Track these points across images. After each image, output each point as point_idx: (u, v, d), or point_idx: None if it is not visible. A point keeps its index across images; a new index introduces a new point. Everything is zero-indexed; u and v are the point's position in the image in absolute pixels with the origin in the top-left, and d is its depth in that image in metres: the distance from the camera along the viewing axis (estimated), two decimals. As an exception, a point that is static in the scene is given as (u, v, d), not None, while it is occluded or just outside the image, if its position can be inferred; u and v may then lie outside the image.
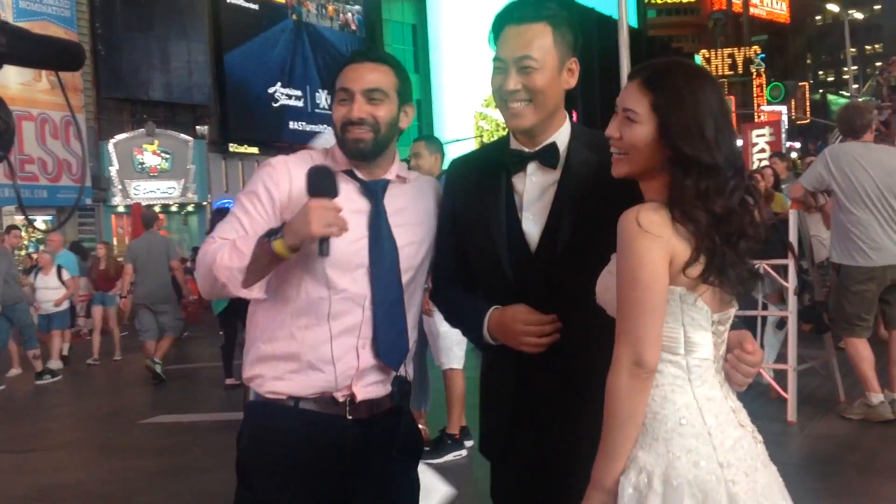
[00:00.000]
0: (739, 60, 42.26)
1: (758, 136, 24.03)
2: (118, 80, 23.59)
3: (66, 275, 12.07)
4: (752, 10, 45.74)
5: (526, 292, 2.15)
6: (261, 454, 2.30)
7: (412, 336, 2.38)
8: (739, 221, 1.85)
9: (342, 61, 2.35)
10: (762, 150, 21.18)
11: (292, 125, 27.23)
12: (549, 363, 2.12)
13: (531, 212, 2.18)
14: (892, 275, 5.78)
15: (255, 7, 26.86)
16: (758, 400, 6.36)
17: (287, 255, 2.10)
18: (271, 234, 2.12)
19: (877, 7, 56.01)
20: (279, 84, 27.15)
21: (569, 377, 2.11)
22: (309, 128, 27.11)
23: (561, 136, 2.19)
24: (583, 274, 2.00)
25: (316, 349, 2.26)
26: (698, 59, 40.05)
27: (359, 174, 2.32)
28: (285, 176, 2.28)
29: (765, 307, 6.30)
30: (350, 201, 2.25)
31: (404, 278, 2.32)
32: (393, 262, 2.29)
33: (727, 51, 43.34)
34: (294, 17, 28.15)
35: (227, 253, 2.16)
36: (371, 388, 2.30)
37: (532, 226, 2.17)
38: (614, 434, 1.81)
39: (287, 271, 2.23)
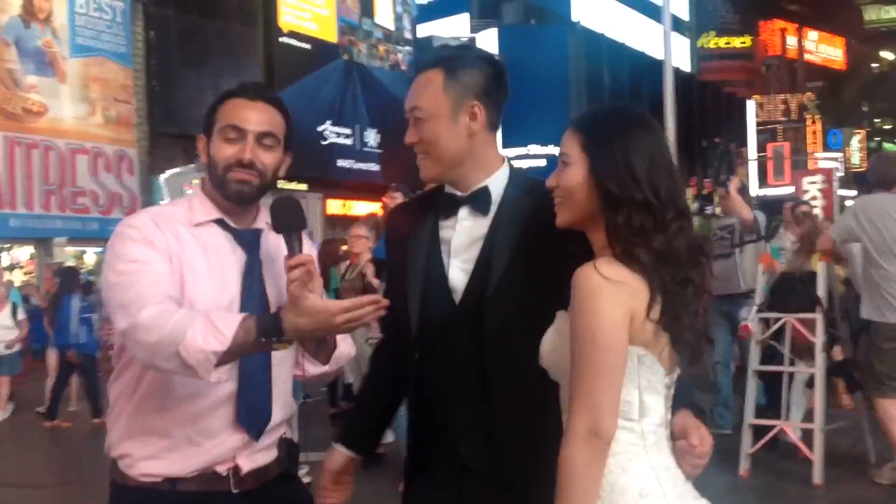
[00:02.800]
0: (793, 106, 41.88)
1: (809, 183, 23.68)
2: (171, 115, 23.98)
3: (20, 314, 10.89)
4: (806, 57, 45.40)
5: (449, 346, 2.04)
6: None
7: (282, 400, 2.18)
8: (689, 264, 1.75)
9: (222, 95, 2.18)
10: (814, 198, 20.86)
11: (340, 163, 27.43)
12: (472, 420, 2.01)
13: (460, 259, 2.06)
14: (925, 333, 5.56)
15: (308, 47, 27.23)
16: (783, 460, 6.14)
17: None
18: (267, 332, 1.87)
19: (936, 54, 55.23)
20: (329, 122, 27.40)
21: (485, 437, 1.99)
22: (357, 166, 27.33)
23: (495, 180, 2.09)
24: (511, 325, 1.89)
25: (194, 422, 2.04)
26: (751, 104, 39.83)
27: (230, 222, 2.16)
28: (159, 234, 2.06)
29: (792, 363, 6.10)
30: (224, 254, 2.11)
31: None
32: None
33: (780, 96, 42.95)
34: (346, 56, 28.47)
35: (200, 331, 1.84)
36: (257, 455, 2.12)
37: (459, 274, 2.06)
38: None
39: None
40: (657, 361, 1.74)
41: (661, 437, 1.77)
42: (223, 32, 25.11)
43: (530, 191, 2.05)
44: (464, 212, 2.08)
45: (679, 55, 39.14)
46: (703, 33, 44.27)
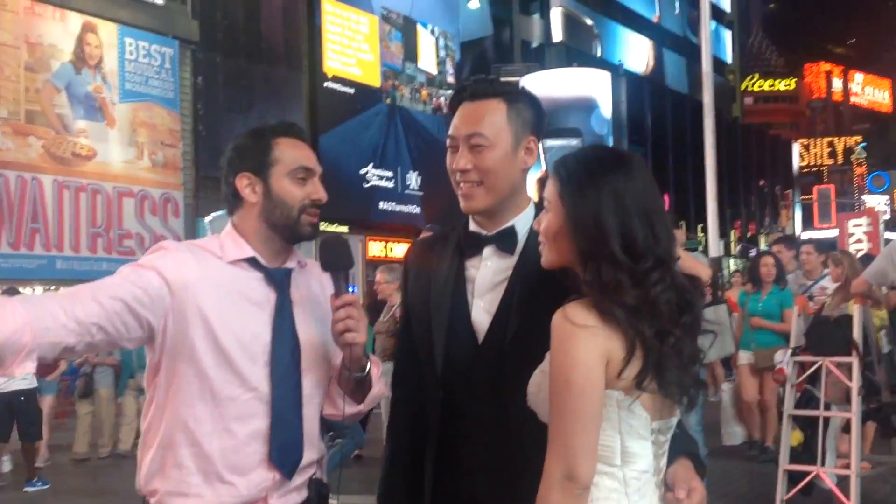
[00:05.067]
0: (839, 149, 41.46)
1: (854, 226, 23.34)
2: (216, 159, 23.53)
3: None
4: (852, 99, 44.98)
5: (471, 387, 1.99)
6: None
7: (312, 440, 2.16)
8: (670, 317, 1.69)
9: (267, 134, 2.17)
10: (859, 241, 20.56)
11: (382, 205, 27.60)
12: (493, 463, 1.96)
13: (483, 299, 2.03)
14: (965, 378, 5.44)
15: (352, 91, 27.57)
16: (821, 507, 6.02)
17: None
18: None
19: None
20: (371, 165, 27.65)
21: (506, 480, 1.93)
22: (398, 208, 27.48)
23: (522, 219, 2.06)
24: (531, 370, 1.82)
25: (224, 458, 2.03)
26: (796, 146, 39.48)
27: (262, 261, 2.15)
28: (179, 263, 2.09)
29: (827, 407, 5.98)
30: (252, 291, 2.11)
31: (306, 376, 2.12)
32: (294, 359, 2.10)
33: (826, 139, 42.55)
34: (388, 101, 28.76)
35: None
36: (289, 496, 2.10)
37: (483, 314, 2.02)
38: None
39: (190, 367, 2.03)
40: (639, 406, 1.68)
41: (648, 484, 1.72)
42: (269, 77, 25.50)
43: None
44: (488, 251, 2.06)
45: (722, 98, 38.96)
46: (748, 76, 44.11)
